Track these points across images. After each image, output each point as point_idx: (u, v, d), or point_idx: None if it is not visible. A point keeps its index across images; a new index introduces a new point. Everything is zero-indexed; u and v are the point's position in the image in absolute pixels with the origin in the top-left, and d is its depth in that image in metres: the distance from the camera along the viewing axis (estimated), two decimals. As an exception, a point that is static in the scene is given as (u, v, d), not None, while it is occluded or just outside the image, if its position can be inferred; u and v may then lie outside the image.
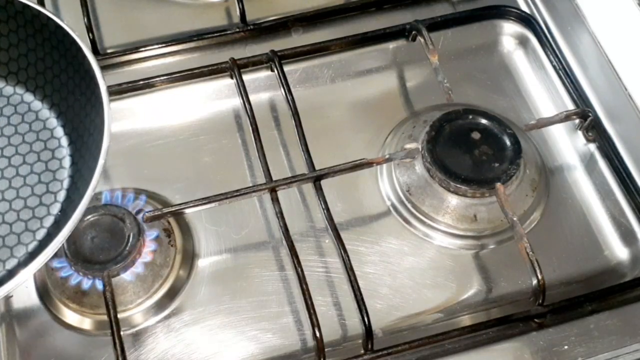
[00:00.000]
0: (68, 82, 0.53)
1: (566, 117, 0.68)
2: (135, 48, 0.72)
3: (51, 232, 0.50)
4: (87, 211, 0.56)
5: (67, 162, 0.53)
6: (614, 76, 0.67)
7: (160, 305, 0.61)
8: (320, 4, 0.76)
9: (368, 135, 0.70)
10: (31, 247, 0.50)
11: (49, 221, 0.51)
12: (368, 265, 0.63)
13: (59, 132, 0.54)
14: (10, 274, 0.49)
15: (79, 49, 0.51)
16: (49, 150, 0.54)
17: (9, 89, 0.55)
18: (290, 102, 0.67)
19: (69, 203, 0.51)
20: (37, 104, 0.55)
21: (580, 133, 0.70)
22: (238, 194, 0.62)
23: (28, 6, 0.53)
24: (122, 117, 0.69)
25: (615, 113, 0.69)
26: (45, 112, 0.55)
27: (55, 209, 0.52)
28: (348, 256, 0.60)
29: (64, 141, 0.54)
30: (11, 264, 0.50)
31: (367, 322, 0.58)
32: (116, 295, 0.58)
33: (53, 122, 0.54)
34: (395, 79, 0.74)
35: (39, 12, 0.53)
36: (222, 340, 0.60)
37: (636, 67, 0.67)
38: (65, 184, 0.52)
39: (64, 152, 0.54)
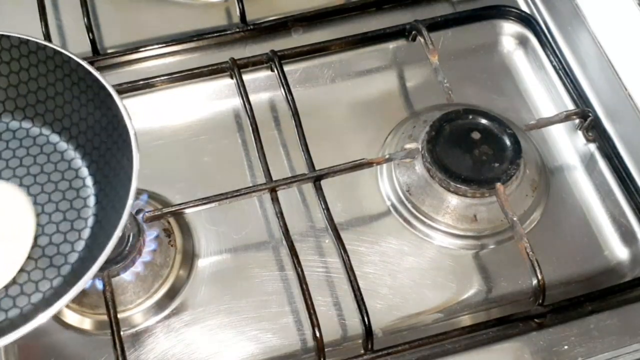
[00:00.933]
0: (95, 125, 0.55)
1: (566, 117, 0.68)
2: (135, 48, 0.72)
3: (75, 269, 0.52)
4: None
5: (91, 201, 0.55)
6: (614, 76, 0.67)
7: (160, 305, 0.61)
8: (320, 4, 0.76)
9: (368, 135, 0.70)
10: (56, 282, 0.52)
11: (73, 258, 0.53)
12: (368, 265, 0.63)
13: (84, 172, 0.56)
14: (35, 308, 0.50)
15: (108, 94, 0.53)
16: (73, 189, 0.55)
17: (35, 130, 0.57)
18: (290, 102, 0.67)
19: (93, 240, 0.53)
20: (62, 145, 0.57)
21: (580, 133, 0.70)
22: (238, 194, 0.62)
23: (59, 52, 0.54)
24: (122, 117, 0.69)
25: (615, 113, 0.69)
26: (71, 153, 0.56)
27: (80, 246, 0.53)
28: (348, 256, 0.60)
29: (89, 181, 0.56)
30: (37, 298, 0.51)
31: (367, 322, 0.58)
32: (116, 295, 0.58)
33: (78, 162, 0.56)
34: (395, 79, 0.74)
35: (70, 58, 0.54)
36: (222, 340, 0.60)
37: (636, 67, 0.67)
38: (90, 222, 0.54)
39: (89, 191, 0.55)
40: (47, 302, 0.48)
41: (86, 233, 0.54)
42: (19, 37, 0.55)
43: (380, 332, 0.60)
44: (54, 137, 0.57)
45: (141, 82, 0.69)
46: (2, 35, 0.55)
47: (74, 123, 0.56)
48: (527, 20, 0.76)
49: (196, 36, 0.73)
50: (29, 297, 0.51)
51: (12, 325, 0.48)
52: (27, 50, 0.55)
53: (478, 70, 0.74)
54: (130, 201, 0.48)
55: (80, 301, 0.60)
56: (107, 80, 0.53)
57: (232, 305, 0.61)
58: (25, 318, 0.48)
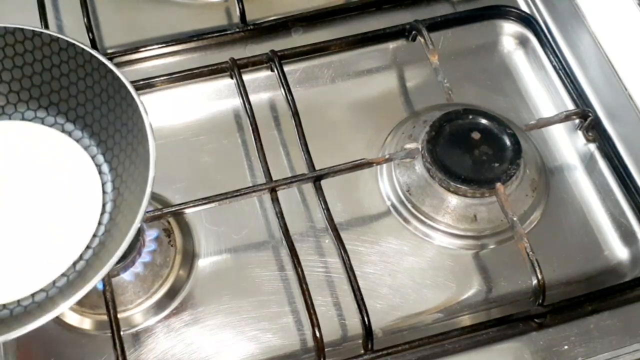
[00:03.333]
0: (109, 114, 0.56)
1: (566, 117, 0.68)
2: (135, 48, 0.72)
3: (90, 264, 0.53)
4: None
5: (108, 187, 0.55)
6: (614, 76, 0.67)
7: (160, 305, 0.61)
8: (320, 4, 0.76)
9: (368, 135, 0.70)
10: (72, 276, 0.52)
11: (87, 254, 0.53)
12: (368, 265, 0.63)
13: (100, 159, 0.57)
14: (52, 300, 0.51)
15: (122, 84, 0.53)
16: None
17: (50, 119, 0.58)
18: (290, 102, 0.67)
19: (108, 234, 0.53)
20: (77, 133, 0.58)
21: (580, 133, 0.70)
22: (238, 194, 0.62)
23: (72, 44, 0.55)
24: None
25: (615, 113, 0.69)
26: (86, 141, 0.57)
27: (94, 242, 0.54)
28: (348, 256, 0.60)
29: (105, 168, 0.56)
30: (54, 291, 0.52)
31: (367, 322, 0.58)
32: (116, 295, 0.58)
33: (93, 150, 0.57)
34: (395, 79, 0.74)
35: (83, 49, 0.55)
36: (222, 340, 0.60)
37: (636, 67, 0.67)
38: (108, 207, 0.55)
39: (105, 178, 0.56)
40: (63, 296, 0.49)
41: (102, 228, 0.54)
42: (33, 30, 0.55)
43: (380, 332, 0.60)
44: (69, 126, 0.57)
45: (141, 82, 0.69)
46: (16, 28, 0.55)
47: (88, 112, 0.56)
48: (527, 20, 0.76)
49: (196, 36, 0.73)
50: (46, 292, 0.52)
51: (23, 318, 0.49)
52: (41, 42, 0.55)
53: (478, 70, 0.74)
54: (149, 189, 0.49)
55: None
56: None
57: (232, 305, 0.61)
58: (43, 308, 0.49)
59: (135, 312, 0.60)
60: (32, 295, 0.51)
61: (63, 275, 0.52)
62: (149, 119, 0.51)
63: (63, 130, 0.57)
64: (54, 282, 0.52)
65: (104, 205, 0.54)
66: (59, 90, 0.57)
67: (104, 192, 0.55)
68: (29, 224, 0.54)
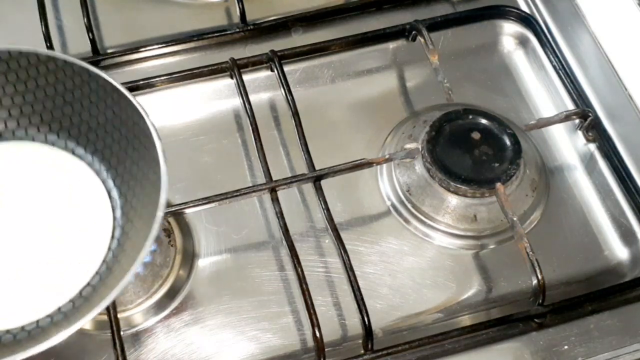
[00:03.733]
0: (121, 140, 0.55)
1: (566, 117, 0.68)
2: (135, 48, 0.72)
3: (96, 288, 0.52)
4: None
5: (118, 213, 0.55)
6: (614, 76, 0.67)
7: (160, 305, 0.61)
8: (320, 4, 0.76)
9: (368, 135, 0.70)
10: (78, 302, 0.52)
11: (95, 279, 0.53)
12: (368, 265, 0.63)
13: (110, 184, 0.57)
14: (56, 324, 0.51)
15: (135, 109, 0.53)
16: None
17: (61, 143, 0.58)
18: (290, 102, 0.67)
19: (115, 258, 0.53)
20: (88, 158, 0.58)
21: (580, 133, 0.70)
22: (238, 194, 0.62)
23: (86, 69, 0.55)
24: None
25: (615, 113, 0.69)
26: (96, 166, 0.57)
27: (102, 267, 0.54)
28: (348, 256, 0.60)
29: (115, 193, 0.56)
30: (58, 317, 0.52)
31: (367, 322, 0.58)
32: (116, 295, 0.58)
33: (103, 174, 0.57)
34: (395, 79, 0.74)
35: (97, 74, 0.55)
36: (222, 340, 0.60)
37: (636, 67, 0.67)
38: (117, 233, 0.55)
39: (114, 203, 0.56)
40: (68, 321, 0.48)
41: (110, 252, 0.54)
42: (47, 54, 0.55)
43: (380, 332, 0.60)
44: (80, 150, 0.57)
45: (141, 82, 0.69)
46: (31, 51, 0.55)
47: (99, 136, 0.56)
48: (527, 20, 0.76)
49: (196, 36, 0.73)
50: (52, 317, 0.51)
51: (26, 342, 0.48)
52: (55, 66, 0.55)
53: (478, 70, 0.74)
54: (160, 213, 0.48)
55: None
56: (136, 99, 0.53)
57: (232, 305, 0.61)
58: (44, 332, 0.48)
59: (135, 312, 0.60)
60: (37, 320, 0.51)
61: (69, 301, 0.52)
62: (161, 145, 0.51)
63: (74, 154, 0.57)
64: (59, 308, 0.51)
65: (113, 230, 0.54)
66: (70, 114, 0.56)
67: (113, 217, 0.55)
68: (37, 249, 0.54)
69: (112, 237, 0.54)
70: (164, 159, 0.51)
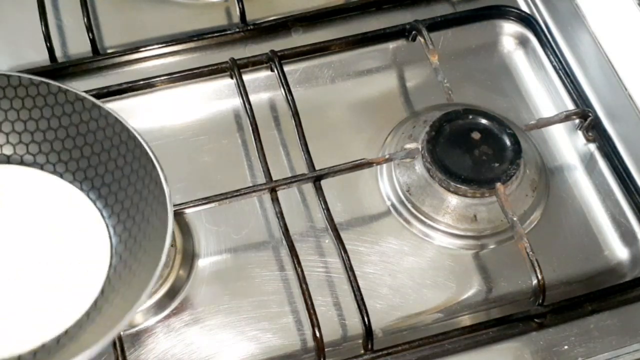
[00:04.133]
0: (128, 188, 0.55)
1: (566, 117, 0.69)
2: (135, 48, 0.72)
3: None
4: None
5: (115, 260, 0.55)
6: (614, 76, 0.67)
7: (160, 305, 0.61)
8: (320, 4, 0.76)
9: (368, 135, 0.70)
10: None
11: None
12: (368, 265, 0.63)
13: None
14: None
15: (145, 152, 0.53)
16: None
17: (68, 176, 0.58)
18: (290, 102, 0.67)
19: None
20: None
21: (580, 133, 0.70)
22: (238, 194, 0.62)
23: (97, 106, 0.55)
24: (122, 117, 0.69)
25: (615, 113, 0.69)
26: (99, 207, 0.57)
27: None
28: (348, 256, 0.60)
29: (113, 231, 0.56)
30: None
31: (367, 322, 0.58)
32: (116, 295, 0.58)
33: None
34: (395, 79, 0.74)
35: (108, 112, 0.54)
36: (222, 340, 0.60)
37: (636, 67, 0.67)
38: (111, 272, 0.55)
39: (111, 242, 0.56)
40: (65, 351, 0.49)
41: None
42: (59, 86, 0.55)
43: (380, 332, 0.60)
44: (86, 184, 0.57)
45: (141, 82, 0.69)
46: (42, 81, 0.55)
47: (105, 183, 0.56)
48: (527, 20, 0.76)
49: (196, 36, 0.73)
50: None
51: None
52: (64, 98, 0.55)
53: (478, 70, 0.74)
54: (162, 260, 0.48)
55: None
56: (137, 131, 0.53)
57: (232, 305, 0.61)
58: None
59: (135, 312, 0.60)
60: (34, 352, 0.51)
61: (65, 332, 0.52)
62: (169, 189, 0.51)
63: (81, 189, 0.57)
64: (57, 340, 0.51)
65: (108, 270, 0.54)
66: (81, 148, 0.56)
67: (110, 254, 0.55)
68: (34, 280, 0.54)
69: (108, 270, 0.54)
70: (171, 203, 0.51)
